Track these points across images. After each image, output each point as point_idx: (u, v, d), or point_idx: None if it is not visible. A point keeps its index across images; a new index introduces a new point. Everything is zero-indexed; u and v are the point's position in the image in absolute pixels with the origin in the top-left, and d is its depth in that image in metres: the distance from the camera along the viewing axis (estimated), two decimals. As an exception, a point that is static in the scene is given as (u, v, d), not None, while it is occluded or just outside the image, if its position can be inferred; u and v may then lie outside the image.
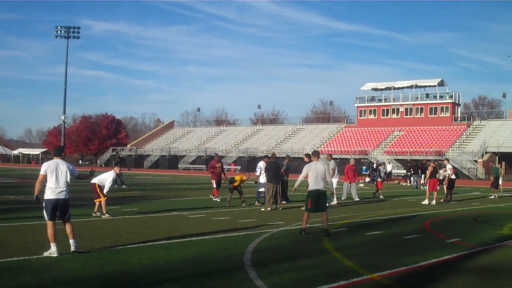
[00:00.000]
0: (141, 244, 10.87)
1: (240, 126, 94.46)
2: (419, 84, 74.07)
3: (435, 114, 71.11)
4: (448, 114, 70.38)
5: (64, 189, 10.02)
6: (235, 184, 20.29)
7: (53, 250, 9.53)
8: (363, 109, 77.30)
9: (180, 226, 13.89)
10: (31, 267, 8.56)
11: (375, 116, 75.98)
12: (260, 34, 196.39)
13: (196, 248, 10.61)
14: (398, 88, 75.53)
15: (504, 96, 77.23)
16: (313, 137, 77.86)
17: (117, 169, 17.37)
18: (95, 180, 15.91)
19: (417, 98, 73.31)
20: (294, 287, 7.54)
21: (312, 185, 12.99)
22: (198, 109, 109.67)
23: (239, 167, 71.42)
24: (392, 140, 70.59)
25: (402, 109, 73.65)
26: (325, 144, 74.08)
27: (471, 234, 13.67)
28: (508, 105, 76.13)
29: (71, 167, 10.17)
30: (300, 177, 13.44)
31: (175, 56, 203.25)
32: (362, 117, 77.21)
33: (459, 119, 71.62)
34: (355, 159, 29.42)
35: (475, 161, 58.53)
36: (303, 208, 13.57)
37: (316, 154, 13.81)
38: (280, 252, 10.49)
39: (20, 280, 7.62)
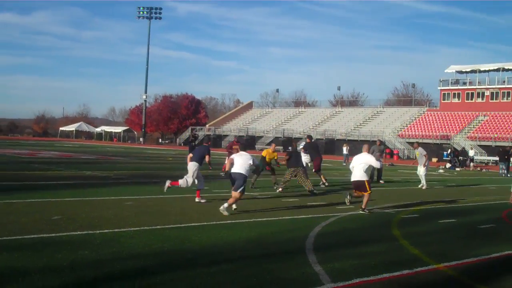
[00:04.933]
0: (205, 223, 10.81)
1: (319, 108, 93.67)
2: (506, 67, 70.89)
3: (522, 98, 68.06)
4: (536, 99, 67.21)
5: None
6: (267, 160, 19.30)
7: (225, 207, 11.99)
8: (446, 92, 74.89)
9: (248, 207, 13.72)
10: (93, 242, 8.62)
11: (459, 99, 73.47)
12: (343, 15, 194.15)
13: (259, 229, 10.45)
14: (484, 71, 72.64)
15: None
16: (394, 120, 76.19)
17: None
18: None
19: (504, 82, 70.23)
20: (353, 274, 7.23)
21: None
22: (277, 90, 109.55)
23: (316, 149, 70.80)
24: (476, 125, 68.08)
25: (487, 93, 70.82)
26: (406, 127, 72.41)
27: (552, 225, 12.89)
28: None
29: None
30: None
31: (257, 37, 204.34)
32: (445, 101, 74.85)
33: (548, 104, 68.27)
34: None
35: None
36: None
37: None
38: (345, 237, 10.20)
39: (79, 254, 7.68)
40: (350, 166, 14.37)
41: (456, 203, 16.85)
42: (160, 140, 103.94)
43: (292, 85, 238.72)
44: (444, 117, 72.27)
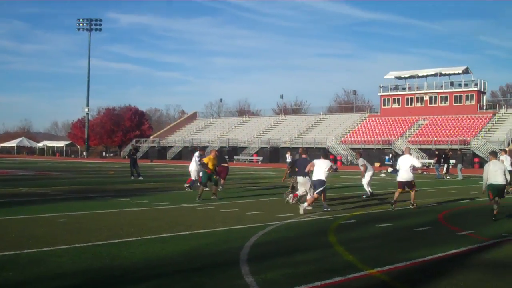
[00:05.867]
0: (139, 238, 10.55)
1: (262, 117, 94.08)
2: (443, 72, 72.80)
3: (460, 102, 69.88)
4: (473, 103, 69.10)
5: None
6: (210, 168, 18.71)
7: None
8: (386, 98, 76.28)
9: (186, 219, 13.56)
10: (19, 262, 8.29)
11: (398, 105, 74.93)
12: (285, 24, 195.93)
13: (195, 242, 10.27)
14: (422, 77, 74.34)
15: (531, 83, 75.55)
16: (336, 127, 77.06)
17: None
18: None
19: (442, 86, 72.11)
20: (284, 283, 7.14)
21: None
22: (221, 100, 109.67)
23: (261, 158, 71.06)
24: (416, 129, 69.55)
25: (426, 97, 72.48)
26: (348, 134, 73.34)
27: (486, 226, 13.12)
28: (536, 93, 74.21)
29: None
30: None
31: (201, 47, 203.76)
32: (386, 106, 76.23)
33: (484, 108, 70.30)
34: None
35: (501, 150, 57.32)
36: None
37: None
38: (281, 246, 10.10)
39: (2, 276, 7.35)
40: (397, 167, 17.02)
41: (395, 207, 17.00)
42: (104, 154, 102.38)
43: (236, 94, 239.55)
44: (385, 122, 73.56)
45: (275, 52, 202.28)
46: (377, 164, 56.56)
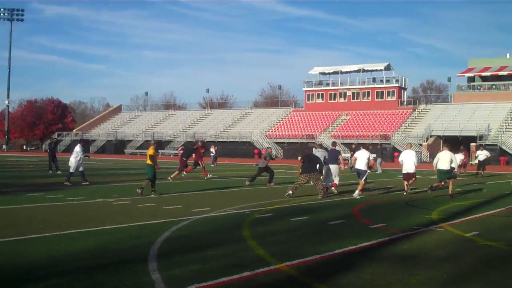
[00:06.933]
0: (46, 234, 10.16)
1: (188, 111, 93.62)
2: (366, 68, 74.47)
3: (381, 98, 71.68)
4: (394, 98, 71.03)
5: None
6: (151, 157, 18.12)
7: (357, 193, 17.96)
8: (310, 93, 77.34)
9: (99, 214, 13.23)
10: None
11: (322, 100, 76.12)
12: (213, 18, 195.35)
13: (105, 238, 10.00)
14: (346, 72, 75.84)
15: (449, 80, 78.31)
16: (262, 121, 77.59)
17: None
18: None
19: (364, 82, 73.80)
20: (192, 279, 7.01)
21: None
22: (146, 93, 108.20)
23: (186, 152, 70.54)
24: (339, 124, 70.86)
25: (349, 93, 73.94)
26: (273, 128, 73.93)
27: (398, 219, 13.40)
28: (453, 89, 76.99)
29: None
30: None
31: (128, 40, 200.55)
32: (310, 101, 77.29)
33: (405, 103, 72.37)
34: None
35: (420, 144, 59.15)
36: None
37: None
38: (193, 241, 9.95)
39: None
40: (400, 160, 20.16)
41: (313, 201, 17.18)
42: (24, 147, 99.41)
43: (162, 88, 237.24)
44: (309, 117, 74.56)
45: (203, 46, 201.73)
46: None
